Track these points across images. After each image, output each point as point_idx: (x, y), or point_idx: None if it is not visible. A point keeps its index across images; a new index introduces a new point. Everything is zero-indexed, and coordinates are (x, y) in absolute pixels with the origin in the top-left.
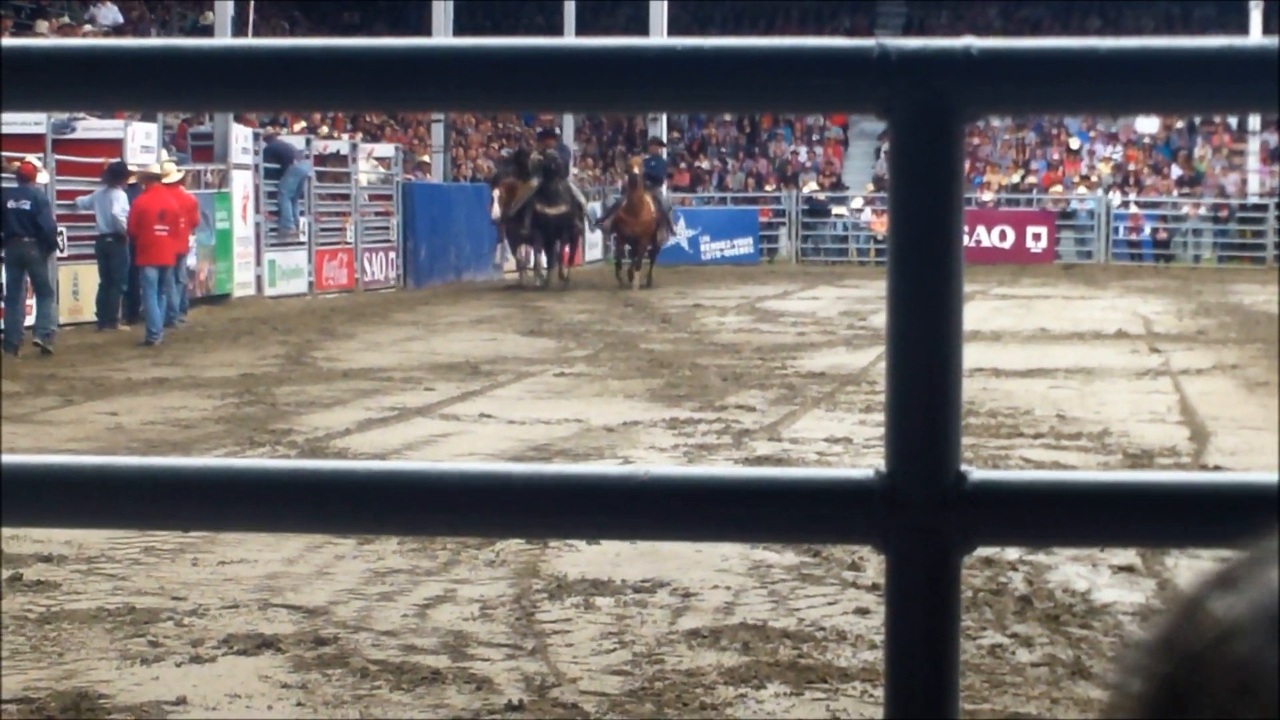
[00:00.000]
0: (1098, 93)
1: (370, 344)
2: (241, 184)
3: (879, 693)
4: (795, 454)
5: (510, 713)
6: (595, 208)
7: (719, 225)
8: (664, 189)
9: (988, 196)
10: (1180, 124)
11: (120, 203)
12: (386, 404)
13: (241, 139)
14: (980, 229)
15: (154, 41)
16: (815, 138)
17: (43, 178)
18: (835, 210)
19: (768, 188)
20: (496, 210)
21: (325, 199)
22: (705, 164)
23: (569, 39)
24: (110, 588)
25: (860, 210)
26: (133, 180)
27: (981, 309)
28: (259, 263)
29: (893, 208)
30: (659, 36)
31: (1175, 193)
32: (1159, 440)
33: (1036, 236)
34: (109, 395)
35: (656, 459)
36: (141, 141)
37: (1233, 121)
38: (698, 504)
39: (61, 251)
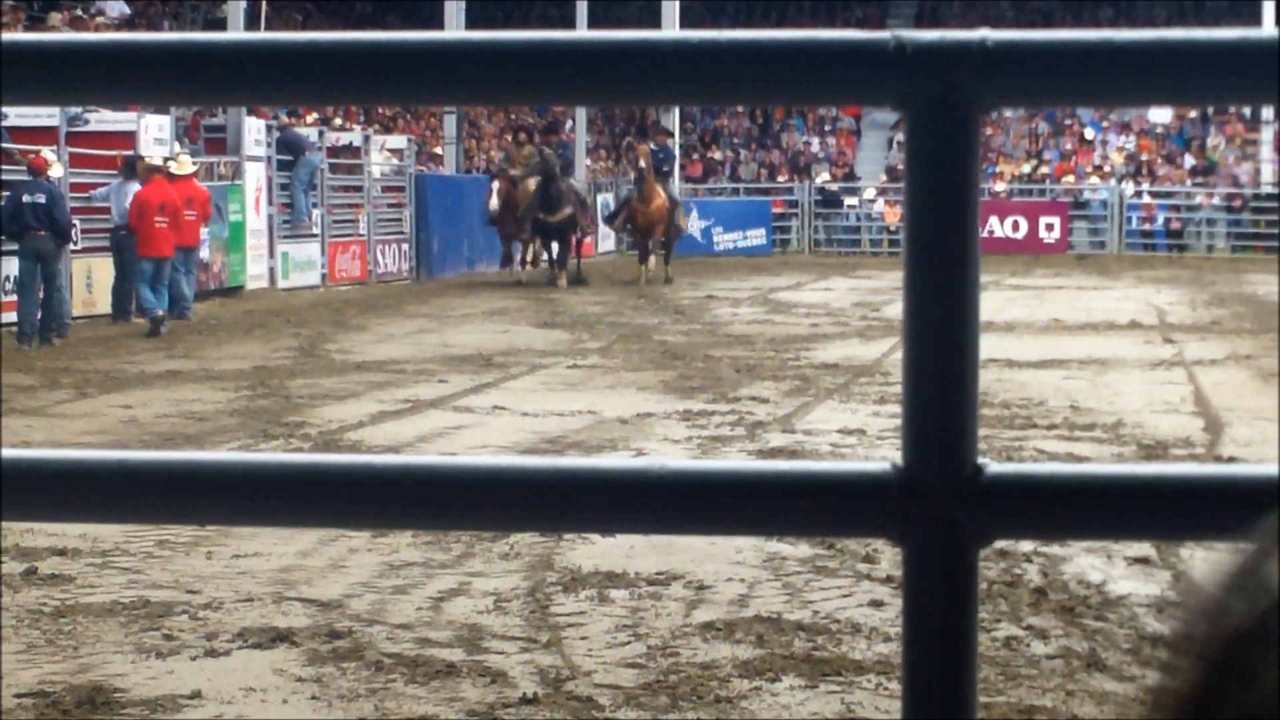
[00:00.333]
0: (1114, 84)
1: (383, 336)
2: (254, 176)
3: (894, 685)
4: (809, 446)
5: (525, 706)
6: (608, 200)
7: (732, 216)
8: (674, 180)
9: (1000, 187)
10: (1193, 113)
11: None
12: (400, 396)
13: (254, 131)
14: (993, 219)
15: (148, 37)
16: (828, 128)
17: (56, 171)
18: (848, 201)
19: (780, 179)
20: (495, 202)
21: (338, 191)
22: (718, 155)
23: (583, 32)
24: (125, 581)
25: (873, 201)
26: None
27: (995, 300)
28: (272, 255)
29: (909, 200)
30: (671, 30)
31: (1189, 182)
32: (1173, 431)
33: (1049, 227)
34: (123, 388)
35: (670, 451)
36: (154, 134)
37: (1246, 111)
38: (716, 497)
39: (75, 244)
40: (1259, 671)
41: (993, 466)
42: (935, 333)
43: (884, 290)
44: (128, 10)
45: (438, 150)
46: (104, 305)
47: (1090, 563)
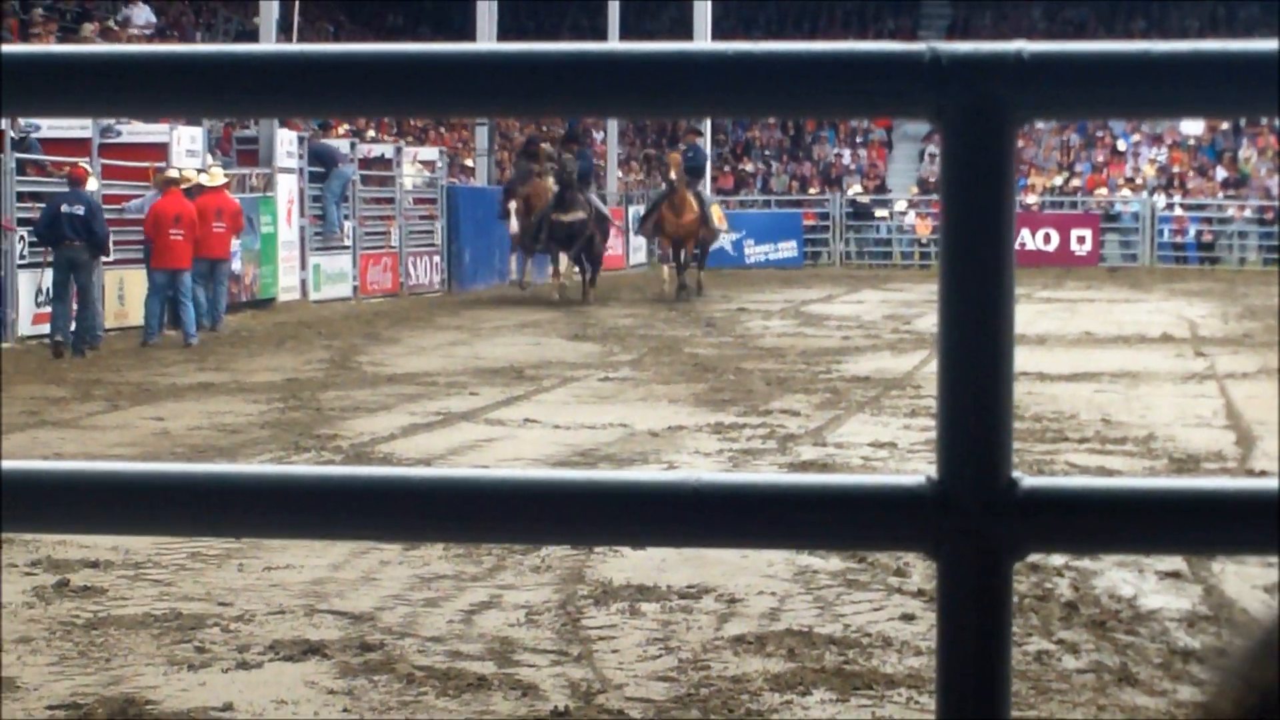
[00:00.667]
0: (1149, 96)
1: (415, 348)
2: (286, 188)
3: (925, 699)
4: (840, 459)
5: (556, 719)
6: (639, 211)
7: (763, 228)
8: (706, 186)
9: (1032, 199)
10: (1225, 125)
11: None
12: (431, 409)
13: (286, 143)
14: (1025, 232)
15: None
16: (859, 140)
17: (93, 184)
18: (879, 213)
19: (812, 191)
20: (515, 224)
21: (370, 203)
22: (749, 167)
23: (617, 44)
24: (157, 593)
25: (904, 213)
26: (185, 185)
27: (1026, 312)
28: (303, 267)
29: (944, 212)
30: (703, 37)
31: (1220, 195)
32: (1205, 445)
33: (1081, 239)
34: (155, 400)
35: (701, 464)
36: (187, 145)
37: (1278, 123)
38: (750, 511)
39: (108, 257)
40: None
41: (1027, 480)
42: (970, 345)
43: (915, 303)
44: (154, 19)
45: (469, 162)
46: (136, 317)
47: (1122, 576)
